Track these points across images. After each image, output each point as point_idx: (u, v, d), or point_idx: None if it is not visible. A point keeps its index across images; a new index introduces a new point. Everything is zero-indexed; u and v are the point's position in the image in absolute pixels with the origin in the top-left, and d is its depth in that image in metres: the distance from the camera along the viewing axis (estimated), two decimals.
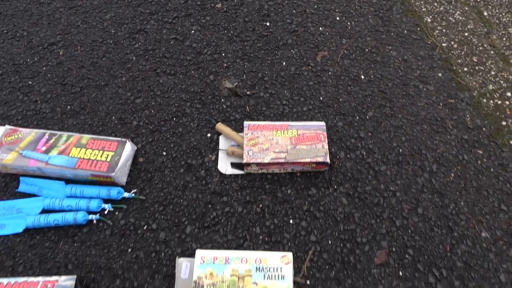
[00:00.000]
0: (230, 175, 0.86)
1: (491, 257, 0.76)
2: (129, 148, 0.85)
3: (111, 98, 0.99)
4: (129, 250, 0.79)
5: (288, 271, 0.71)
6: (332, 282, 0.74)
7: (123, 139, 0.86)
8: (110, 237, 0.80)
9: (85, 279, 0.76)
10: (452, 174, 0.86)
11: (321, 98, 0.98)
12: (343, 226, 0.80)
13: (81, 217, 0.80)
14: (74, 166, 0.83)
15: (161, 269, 0.76)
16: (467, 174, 0.86)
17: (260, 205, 0.83)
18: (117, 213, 0.83)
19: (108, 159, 0.83)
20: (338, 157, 0.88)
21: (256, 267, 0.71)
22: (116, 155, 0.84)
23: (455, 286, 0.73)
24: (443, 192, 0.83)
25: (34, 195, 0.86)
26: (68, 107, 0.98)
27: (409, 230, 0.79)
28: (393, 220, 0.80)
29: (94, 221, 0.82)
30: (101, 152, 0.84)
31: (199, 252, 0.73)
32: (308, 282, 0.74)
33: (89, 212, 0.82)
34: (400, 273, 0.75)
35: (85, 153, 0.84)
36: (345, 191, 0.84)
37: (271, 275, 0.70)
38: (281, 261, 0.72)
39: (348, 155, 0.88)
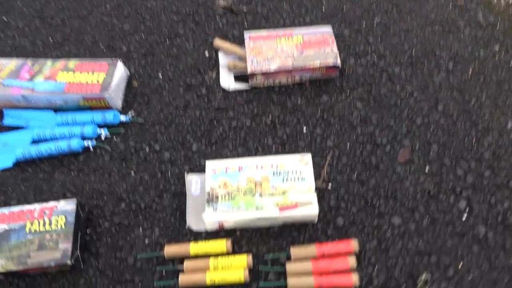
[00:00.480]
0: (234, 90, 0.80)
1: None
2: (121, 68, 0.78)
3: (96, 27, 0.91)
4: (132, 173, 0.73)
5: (308, 172, 0.66)
6: (355, 184, 0.69)
7: (113, 59, 0.79)
8: (109, 162, 0.74)
9: (86, 206, 0.69)
10: (470, 71, 0.81)
11: (323, 9, 0.91)
12: (361, 129, 0.74)
13: (75, 143, 0.73)
14: (63, 90, 0.75)
15: (169, 188, 0.70)
16: (485, 69, 0.81)
17: (270, 117, 0.77)
18: (115, 138, 0.76)
19: (100, 81, 0.76)
20: (348, 63, 0.82)
21: (273, 172, 0.66)
22: (108, 76, 0.76)
23: (486, 176, 0.69)
24: (462, 89, 0.78)
25: (21, 128, 0.78)
26: (50, 39, 0.90)
27: (431, 127, 0.74)
28: (413, 119, 0.75)
29: (91, 148, 0.75)
30: (90, 74, 0.77)
31: (209, 164, 0.67)
32: (329, 186, 0.69)
33: (84, 139, 0.76)
34: (427, 169, 0.70)
35: (73, 76, 0.77)
36: (359, 96, 0.78)
37: (291, 178, 0.65)
38: (300, 163, 0.66)
39: (359, 61, 0.83)
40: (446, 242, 0.63)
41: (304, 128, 0.75)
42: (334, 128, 0.75)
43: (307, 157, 0.67)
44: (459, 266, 0.61)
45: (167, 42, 0.87)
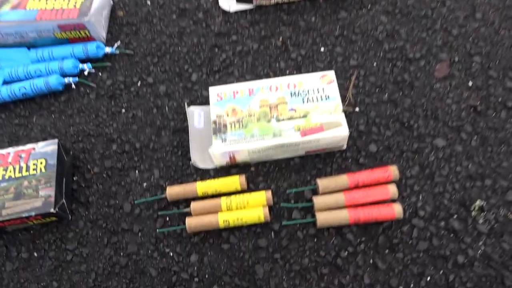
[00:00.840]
0: (236, 12, 0.68)
1: None
2: None
3: None
4: (123, 110, 0.62)
5: (333, 90, 0.55)
6: (388, 105, 0.59)
7: None
8: (96, 100, 0.63)
9: (71, 150, 0.59)
10: None
11: None
12: (388, 45, 0.63)
13: (55, 81, 0.62)
14: (34, 18, 0.63)
15: (167, 124, 0.60)
16: None
17: (280, 38, 0.65)
18: (100, 73, 0.65)
19: (78, 5, 0.64)
20: None
21: (291, 93, 0.55)
22: (86, 0, 0.65)
23: None
24: None
25: None
26: None
27: (470, 38, 0.63)
28: (448, 30, 0.64)
29: (73, 86, 0.64)
30: (66, 0, 0.65)
31: (213, 89, 0.57)
32: (357, 109, 0.59)
33: (65, 76, 0.65)
34: (470, 83, 0.59)
35: (46, 2, 0.65)
36: (383, 9, 0.67)
37: (312, 97, 0.54)
38: (322, 81, 0.56)
39: None
40: (501, 163, 0.53)
41: (322, 48, 0.64)
42: (357, 45, 0.63)
43: (330, 74, 0.56)
44: None
45: None
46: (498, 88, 0.58)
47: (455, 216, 0.50)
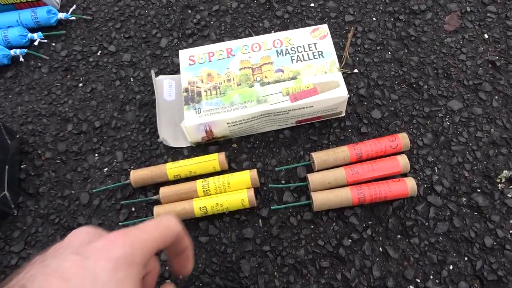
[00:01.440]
0: None
1: None
2: None
3: None
4: (80, 84, 0.52)
5: (327, 45, 0.46)
6: (391, 65, 0.50)
7: None
8: (49, 75, 0.53)
9: (18, 133, 0.49)
10: None
11: None
12: None
13: None
14: None
15: (132, 98, 0.50)
16: None
17: None
18: (54, 43, 0.55)
19: None
20: None
21: (277, 51, 0.46)
22: None
23: None
24: None
25: None
26: None
27: None
28: None
29: (21, 58, 0.54)
30: None
31: (184, 52, 0.47)
32: (355, 70, 0.50)
33: (11, 48, 0.55)
34: (486, 36, 0.51)
35: None
36: None
37: (303, 55, 0.45)
38: (313, 36, 0.47)
39: None
40: None
41: (312, 3, 0.55)
42: None
43: (323, 27, 0.47)
44: None
45: None
46: None
47: (478, 190, 0.42)
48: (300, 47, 0.45)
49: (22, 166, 0.48)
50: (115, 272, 0.23)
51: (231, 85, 0.44)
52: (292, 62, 0.45)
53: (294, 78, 0.44)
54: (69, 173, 0.47)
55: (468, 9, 0.52)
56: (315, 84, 0.43)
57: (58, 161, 0.48)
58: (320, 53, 0.45)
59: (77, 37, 0.55)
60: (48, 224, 0.44)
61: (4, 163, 0.45)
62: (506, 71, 0.48)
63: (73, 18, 0.56)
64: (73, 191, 0.46)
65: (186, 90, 0.44)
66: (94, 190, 0.45)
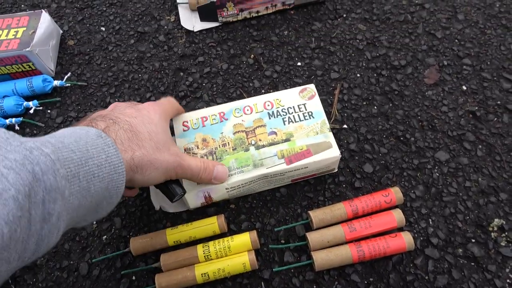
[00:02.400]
0: (201, 31, 0.62)
1: None
2: (47, 20, 0.58)
3: None
4: None
5: (316, 105, 0.48)
6: (378, 119, 0.52)
7: (36, 10, 0.59)
8: None
9: None
10: None
11: None
12: (370, 53, 0.58)
13: None
14: None
15: None
16: None
17: (252, 56, 0.59)
18: (49, 110, 0.56)
19: (18, 35, 0.56)
20: None
21: (269, 113, 0.48)
22: (29, 29, 0.57)
23: None
24: None
25: None
26: None
27: (456, 40, 0.58)
28: (432, 33, 0.59)
29: (16, 127, 0.55)
30: (6, 31, 0.57)
31: (177, 118, 0.48)
32: (345, 126, 0.52)
33: (6, 117, 0.56)
34: (464, 87, 0.54)
35: None
36: (359, 17, 0.62)
37: (294, 117, 0.47)
38: (301, 97, 0.49)
39: None
40: None
41: (299, 62, 0.58)
42: (336, 56, 0.58)
43: (311, 87, 0.49)
44: None
45: None
46: (494, 91, 0.53)
47: (473, 240, 0.43)
48: (291, 108, 0.47)
49: None
50: (161, 120, 0.38)
51: (227, 149, 0.45)
52: (284, 124, 0.46)
53: (287, 140, 0.45)
54: (67, 243, 0.46)
55: (445, 63, 0.56)
56: (308, 146, 0.44)
57: None
58: (310, 113, 0.47)
59: (72, 103, 0.57)
60: None
61: None
62: (486, 121, 0.51)
63: (68, 84, 0.58)
64: (71, 262, 0.45)
65: None
66: (93, 260, 0.44)
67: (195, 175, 0.39)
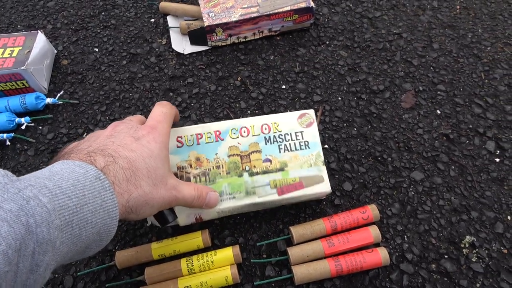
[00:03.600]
0: (191, 54, 0.65)
1: None
2: (42, 40, 0.61)
3: (12, 8, 0.74)
4: None
5: (314, 134, 0.48)
6: (358, 140, 0.55)
7: (32, 31, 0.62)
8: (35, 157, 0.55)
9: None
10: (458, 7, 0.71)
11: None
12: (351, 78, 0.61)
13: None
14: None
15: None
16: (473, 4, 0.71)
17: (239, 78, 0.62)
18: (41, 126, 0.58)
19: (14, 54, 0.58)
20: (321, 13, 0.70)
21: (265, 138, 0.48)
22: (24, 48, 0.59)
23: (507, 111, 0.57)
24: (454, 25, 0.68)
25: None
26: None
27: (431, 67, 0.62)
28: (409, 60, 0.63)
29: (7, 142, 0.56)
30: (2, 50, 0.59)
31: (172, 132, 0.50)
32: (326, 146, 0.54)
33: None
34: (438, 112, 0.57)
35: None
36: (341, 44, 0.65)
37: (290, 145, 0.47)
38: (300, 124, 0.49)
39: (333, 10, 0.71)
40: (484, 193, 0.50)
41: (284, 85, 0.61)
42: (319, 80, 0.61)
43: (310, 114, 0.49)
44: (508, 218, 0.47)
45: (103, 14, 0.72)
46: (466, 115, 0.56)
47: (446, 256, 0.45)
48: (288, 134, 0.48)
49: None
50: (161, 151, 0.36)
51: (220, 172, 0.46)
52: (280, 152, 0.47)
53: (281, 169, 0.46)
54: None
55: (421, 88, 0.59)
56: (301, 178, 0.45)
57: None
58: (306, 143, 0.47)
59: (63, 120, 0.58)
60: None
61: None
62: (459, 143, 0.54)
63: (60, 102, 0.60)
64: (56, 275, 0.46)
65: (175, 176, 0.47)
66: (78, 273, 0.45)
67: (188, 203, 0.40)
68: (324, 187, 0.45)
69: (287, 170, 0.46)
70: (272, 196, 0.44)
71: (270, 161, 0.46)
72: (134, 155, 0.33)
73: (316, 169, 0.46)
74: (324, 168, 0.46)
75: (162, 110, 0.40)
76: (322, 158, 0.47)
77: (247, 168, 0.46)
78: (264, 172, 0.46)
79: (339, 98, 0.59)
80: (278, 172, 0.46)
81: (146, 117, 0.42)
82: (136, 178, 0.33)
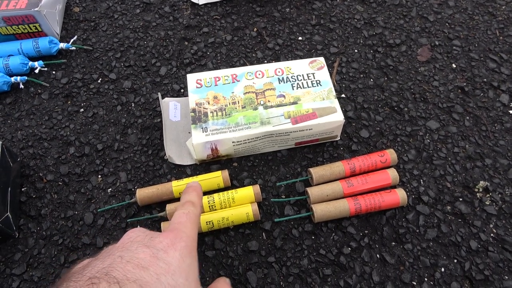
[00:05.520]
0: (206, 4, 0.64)
1: None
2: None
3: None
4: (82, 110, 0.54)
5: (324, 75, 0.50)
6: (374, 90, 0.55)
7: None
8: (49, 101, 0.55)
9: (19, 156, 0.50)
10: None
11: None
12: (367, 32, 0.61)
13: None
14: None
15: (134, 122, 0.53)
16: None
17: (255, 29, 0.61)
18: (54, 71, 0.57)
19: None
20: None
21: (279, 79, 0.50)
22: None
23: None
24: None
25: None
26: None
27: (447, 23, 0.62)
28: (425, 16, 0.63)
29: (21, 85, 0.56)
30: None
31: (192, 76, 0.50)
32: (343, 95, 0.54)
33: (11, 75, 0.56)
34: (454, 65, 0.57)
35: None
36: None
37: (302, 84, 0.49)
38: (311, 67, 0.51)
39: None
40: (498, 142, 0.51)
41: (300, 37, 0.60)
42: (335, 33, 0.61)
43: (320, 60, 0.51)
44: None
45: None
46: (481, 69, 0.57)
47: (460, 199, 0.46)
48: (300, 76, 0.50)
49: (22, 189, 0.48)
50: (182, 261, 0.28)
51: (236, 107, 0.47)
52: (293, 89, 0.49)
53: (295, 103, 0.48)
54: (71, 195, 0.47)
55: (437, 43, 0.60)
56: (314, 109, 0.47)
57: (60, 183, 0.48)
58: (318, 82, 0.49)
59: (77, 65, 0.58)
60: (51, 245, 0.44)
61: (7, 185, 0.45)
62: (473, 95, 0.54)
63: (73, 48, 0.59)
64: (76, 212, 0.46)
65: (194, 111, 0.47)
66: (99, 210, 0.45)
67: None
68: (337, 117, 0.46)
69: (300, 103, 0.48)
70: (286, 125, 0.46)
71: (284, 96, 0.48)
72: (146, 275, 0.26)
73: (328, 101, 0.48)
74: (336, 101, 0.48)
75: (184, 211, 0.33)
76: (334, 93, 0.48)
77: (261, 103, 0.48)
78: (278, 105, 0.47)
79: (356, 51, 0.59)
80: (292, 105, 0.47)
81: None
82: None
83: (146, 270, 0.26)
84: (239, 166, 0.49)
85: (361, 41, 0.60)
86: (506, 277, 0.42)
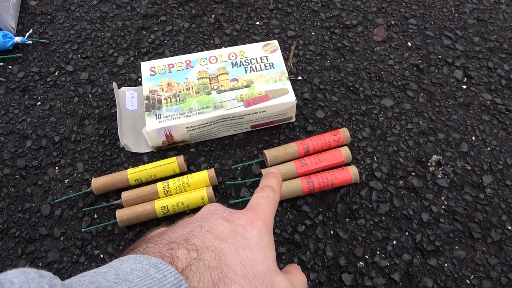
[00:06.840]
0: None
1: (503, 7, 0.62)
2: None
3: None
4: (38, 103, 0.54)
5: (277, 58, 0.50)
6: (330, 71, 0.55)
7: None
8: (5, 96, 0.54)
9: None
10: None
11: None
12: (324, 14, 0.61)
13: None
14: None
15: (91, 113, 0.52)
16: None
17: (213, 16, 0.61)
18: (10, 66, 0.57)
19: None
20: None
21: (232, 63, 0.50)
22: None
23: (475, 42, 0.58)
24: None
25: None
26: None
27: (404, 2, 0.62)
28: None
29: None
30: None
31: (146, 64, 0.50)
32: (299, 77, 0.55)
33: None
34: (409, 44, 0.58)
35: None
36: None
37: (255, 67, 0.50)
38: (264, 51, 0.51)
39: None
40: (451, 116, 0.51)
41: (257, 22, 0.60)
42: (292, 17, 0.61)
43: (274, 43, 0.52)
44: (473, 139, 0.50)
45: None
46: (436, 46, 0.58)
47: (413, 174, 0.47)
48: (253, 59, 0.50)
49: None
50: (260, 239, 0.27)
51: (190, 93, 0.48)
52: (246, 73, 0.49)
53: (247, 86, 0.48)
54: (29, 187, 0.47)
55: (393, 22, 0.60)
56: (266, 91, 0.47)
57: (17, 177, 0.48)
58: (271, 64, 0.50)
59: (34, 59, 0.57)
60: (8, 238, 0.44)
61: None
62: (428, 72, 0.55)
63: (29, 42, 0.58)
64: (33, 204, 0.46)
65: (148, 98, 0.47)
66: (55, 201, 0.46)
67: None
68: (288, 98, 0.47)
69: (253, 86, 0.48)
70: (239, 109, 0.46)
71: (237, 80, 0.49)
72: (225, 247, 0.25)
73: (281, 83, 0.48)
74: (288, 83, 0.48)
75: (263, 195, 0.31)
76: (286, 74, 0.49)
77: (215, 87, 0.48)
78: (232, 89, 0.48)
79: (313, 33, 0.59)
80: (245, 88, 0.48)
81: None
82: (226, 281, 0.24)
83: (225, 241, 0.26)
84: (196, 152, 0.49)
85: (318, 24, 0.60)
86: (457, 247, 0.43)
